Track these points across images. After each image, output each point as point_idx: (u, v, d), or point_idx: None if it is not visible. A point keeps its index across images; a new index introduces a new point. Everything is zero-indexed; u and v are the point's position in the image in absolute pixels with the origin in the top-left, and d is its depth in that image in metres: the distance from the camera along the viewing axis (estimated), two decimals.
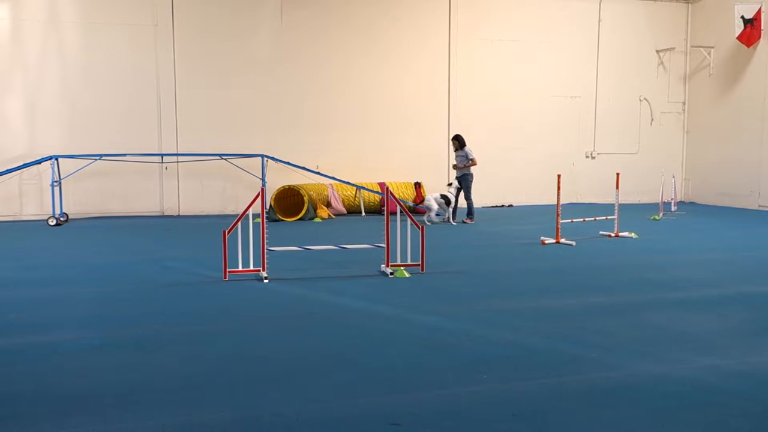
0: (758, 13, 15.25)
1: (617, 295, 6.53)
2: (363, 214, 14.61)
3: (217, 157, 13.99)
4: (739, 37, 15.63)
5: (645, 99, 17.54)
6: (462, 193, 12.92)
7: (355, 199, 14.69)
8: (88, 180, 13.86)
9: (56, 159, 12.92)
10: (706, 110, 17.34)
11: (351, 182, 14.46)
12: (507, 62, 16.39)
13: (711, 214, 14.77)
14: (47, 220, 12.60)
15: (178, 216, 14.50)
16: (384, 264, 7.53)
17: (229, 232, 7.10)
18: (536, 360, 4.45)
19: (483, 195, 16.05)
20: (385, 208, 7.67)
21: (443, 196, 12.83)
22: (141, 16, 14.20)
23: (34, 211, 13.84)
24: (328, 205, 14.39)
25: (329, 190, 14.56)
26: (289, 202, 14.01)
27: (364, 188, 14.48)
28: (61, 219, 12.77)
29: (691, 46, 17.52)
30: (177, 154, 14.24)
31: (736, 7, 15.53)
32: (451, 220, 12.81)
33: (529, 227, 11.94)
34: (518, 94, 16.46)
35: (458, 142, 13.13)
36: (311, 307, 5.97)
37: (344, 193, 14.68)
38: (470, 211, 12.92)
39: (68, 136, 13.88)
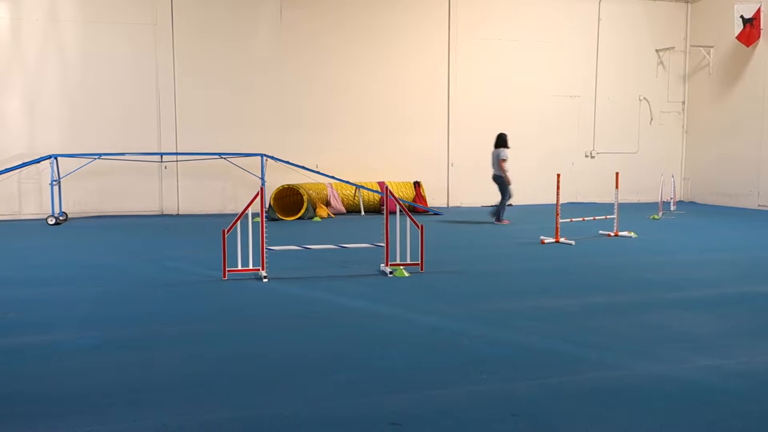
0: (758, 12, 15.25)
1: (617, 294, 6.53)
2: (362, 213, 14.61)
3: (217, 157, 13.99)
4: (739, 37, 15.64)
5: (644, 98, 17.54)
6: None
7: (354, 199, 14.68)
8: (87, 179, 13.86)
9: (55, 158, 12.92)
10: (705, 110, 17.35)
11: (350, 182, 14.46)
12: (507, 62, 16.40)
13: (710, 213, 14.78)
14: (46, 219, 12.59)
15: (178, 215, 14.49)
16: (383, 263, 7.53)
17: (228, 232, 7.09)
18: (536, 360, 4.45)
19: (483, 194, 16.07)
20: (385, 207, 7.66)
21: None
22: (140, 16, 14.19)
23: (34, 210, 13.84)
24: (328, 204, 14.39)
25: (329, 189, 14.56)
26: (289, 202, 14.02)
27: (363, 188, 14.48)
28: (61, 218, 12.77)
29: (691, 46, 17.54)
30: (176, 153, 14.24)
31: (735, 6, 15.54)
32: None
33: (528, 227, 11.94)
34: (518, 93, 16.47)
35: None
36: (310, 307, 5.97)
37: (344, 192, 14.68)
38: None
39: (67, 135, 13.88)
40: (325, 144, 15.22)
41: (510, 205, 12.60)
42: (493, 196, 16.18)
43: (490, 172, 12.54)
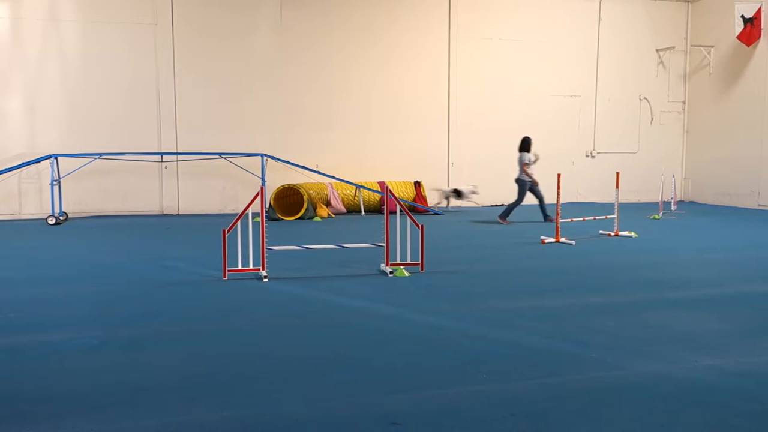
0: (758, 12, 15.25)
1: (617, 294, 6.53)
2: (363, 213, 14.61)
3: (217, 156, 13.98)
4: (739, 37, 15.64)
5: (645, 98, 17.54)
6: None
7: (354, 199, 14.68)
8: (87, 179, 13.86)
9: (55, 158, 12.91)
10: (706, 109, 17.34)
11: (351, 181, 14.46)
12: (507, 62, 16.39)
13: (711, 213, 14.78)
14: (46, 219, 12.59)
15: (178, 215, 14.49)
16: (384, 263, 7.52)
17: (228, 231, 7.09)
18: (536, 360, 4.45)
19: (483, 194, 16.06)
20: (385, 207, 7.66)
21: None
22: (141, 15, 14.19)
23: (34, 210, 13.83)
24: (328, 204, 14.39)
25: (329, 189, 14.55)
26: (289, 201, 14.01)
27: (363, 187, 14.48)
28: (61, 218, 12.77)
29: (691, 46, 17.53)
30: (176, 153, 14.24)
31: (736, 6, 15.53)
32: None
33: (529, 226, 11.94)
34: (518, 93, 16.46)
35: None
36: (311, 307, 5.97)
37: (344, 192, 14.68)
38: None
39: (67, 135, 13.88)
40: (325, 144, 15.22)
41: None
42: (494, 196, 16.27)
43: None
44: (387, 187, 8.00)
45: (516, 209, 12.65)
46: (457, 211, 15.13)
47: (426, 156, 15.90)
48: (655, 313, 5.70)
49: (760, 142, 15.61)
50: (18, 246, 9.94)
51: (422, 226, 7.55)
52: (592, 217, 11.27)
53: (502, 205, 16.27)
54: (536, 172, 12.56)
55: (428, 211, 14.37)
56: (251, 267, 7.26)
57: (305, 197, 13.45)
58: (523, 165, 12.39)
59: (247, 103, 14.88)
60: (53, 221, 12.45)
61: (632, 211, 14.21)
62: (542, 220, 12.65)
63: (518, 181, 12.53)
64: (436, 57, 15.94)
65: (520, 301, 6.26)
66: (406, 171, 15.48)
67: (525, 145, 12.54)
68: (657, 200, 14.66)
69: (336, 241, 8.50)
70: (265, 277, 7.06)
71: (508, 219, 12.55)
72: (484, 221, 12.98)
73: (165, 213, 14.58)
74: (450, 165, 16.22)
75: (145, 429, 3.35)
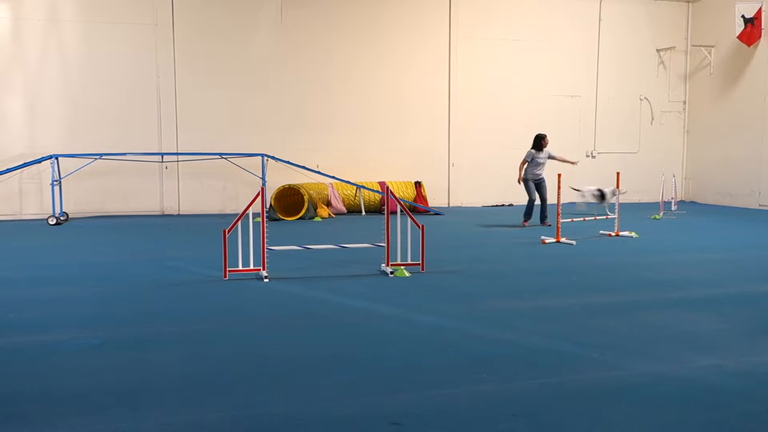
0: (759, 12, 15.24)
1: (617, 294, 6.53)
2: (363, 213, 14.61)
3: (217, 157, 13.99)
4: (740, 36, 15.63)
5: (645, 98, 17.53)
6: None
7: (355, 199, 14.68)
8: (88, 179, 13.86)
9: (56, 158, 12.92)
10: (706, 109, 17.33)
11: (351, 181, 14.46)
12: (507, 62, 16.38)
13: (711, 213, 14.77)
14: (47, 219, 12.60)
15: (178, 215, 14.50)
16: (384, 263, 7.52)
17: (229, 232, 7.09)
18: (536, 360, 4.44)
19: (483, 194, 16.08)
20: (386, 207, 7.66)
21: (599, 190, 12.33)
22: (141, 16, 14.20)
23: (34, 210, 13.84)
24: (329, 204, 14.39)
25: (329, 189, 14.56)
26: (289, 201, 14.01)
27: (364, 187, 14.48)
28: (61, 218, 12.77)
29: (692, 45, 17.52)
30: (177, 153, 14.24)
31: (736, 6, 15.53)
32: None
33: (529, 226, 11.93)
34: (518, 93, 16.46)
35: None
36: (311, 307, 5.97)
37: (344, 192, 14.68)
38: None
39: (68, 135, 13.88)
40: (325, 144, 15.22)
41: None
42: (494, 196, 16.27)
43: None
44: (387, 187, 8.00)
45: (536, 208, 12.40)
46: (458, 211, 15.12)
47: (426, 156, 15.91)
48: (655, 313, 5.70)
49: (760, 142, 15.61)
50: (18, 246, 9.95)
51: (423, 226, 7.55)
52: (593, 217, 11.27)
53: (503, 205, 16.31)
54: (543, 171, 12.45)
55: (429, 211, 14.37)
56: (252, 267, 7.26)
57: (306, 197, 13.46)
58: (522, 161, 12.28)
59: (247, 103, 14.88)
60: (54, 221, 12.45)
61: (633, 211, 14.20)
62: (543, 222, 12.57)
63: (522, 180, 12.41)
64: (436, 57, 15.94)
65: (521, 301, 6.26)
66: (406, 171, 15.48)
67: (533, 142, 12.36)
68: (657, 200, 14.66)
69: (336, 241, 8.51)
70: (266, 277, 7.06)
71: (528, 222, 12.27)
72: (484, 222, 12.97)
73: (165, 213, 14.59)
74: (450, 165, 16.22)
75: (145, 429, 3.35)
